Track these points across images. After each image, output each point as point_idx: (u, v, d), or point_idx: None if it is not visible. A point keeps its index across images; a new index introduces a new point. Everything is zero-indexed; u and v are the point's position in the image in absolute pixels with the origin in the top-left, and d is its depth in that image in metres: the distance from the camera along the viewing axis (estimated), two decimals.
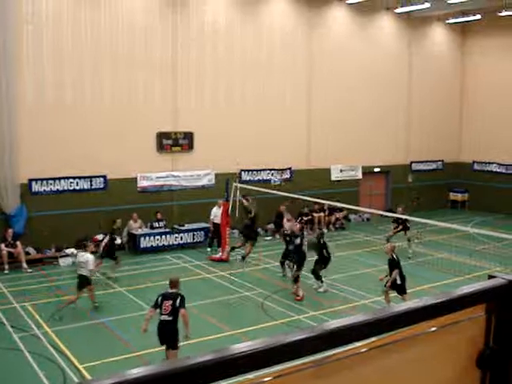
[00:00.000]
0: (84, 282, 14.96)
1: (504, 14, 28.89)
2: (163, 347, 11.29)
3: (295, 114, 26.72)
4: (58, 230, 20.31)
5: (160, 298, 11.28)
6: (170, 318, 11.12)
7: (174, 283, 11.51)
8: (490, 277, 1.81)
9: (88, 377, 11.13)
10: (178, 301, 11.10)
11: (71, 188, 21.32)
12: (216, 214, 21.95)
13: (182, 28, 23.21)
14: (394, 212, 22.20)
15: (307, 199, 21.02)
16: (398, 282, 14.54)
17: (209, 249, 21.93)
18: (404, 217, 20.73)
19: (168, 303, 11.16)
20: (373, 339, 1.53)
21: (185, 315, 11.16)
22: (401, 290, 14.61)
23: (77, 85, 21.07)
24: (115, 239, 19.05)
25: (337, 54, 27.81)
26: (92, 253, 15.57)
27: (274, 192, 21.64)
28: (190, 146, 23.93)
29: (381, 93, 29.53)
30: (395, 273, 14.49)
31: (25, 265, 19.02)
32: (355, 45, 28.47)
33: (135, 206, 22.16)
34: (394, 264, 14.61)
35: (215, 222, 21.86)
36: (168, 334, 11.18)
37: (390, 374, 1.59)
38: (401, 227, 21.42)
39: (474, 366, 1.77)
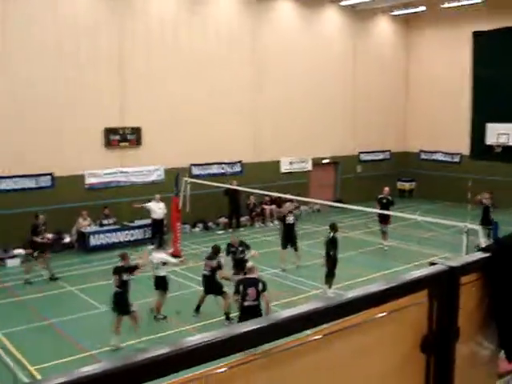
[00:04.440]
0: None
1: (447, 5, 29.53)
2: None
3: (243, 107, 26.68)
4: (5, 231, 19.76)
5: None
6: (121, 290, 12.67)
7: (121, 256, 13.21)
8: (432, 264, 1.87)
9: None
10: (125, 275, 12.66)
11: (17, 187, 20.77)
12: (154, 209, 21.74)
13: (129, 22, 22.87)
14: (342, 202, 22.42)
15: (258, 192, 21.09)
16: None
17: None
18: (348, 206, 20.96)
19: (116, 276, 12.78)
20: (322, 327, 1.56)
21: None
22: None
23: (23, 81, 20.61)
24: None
25: (283, 46, 27.90)
26: None
27: (226, 186, 21.60)
28: (139, 142, 23.67)
29: (327, 85, 29.79)
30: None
31: None
32: (301, 37, 28.63)
33: (83, 204, 21.80)
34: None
35: (154, 217, 21.66)
36: (118, 304, 12.69)
37: (339, 362, 1.62)
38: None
39: (418, 350, 1.83)
